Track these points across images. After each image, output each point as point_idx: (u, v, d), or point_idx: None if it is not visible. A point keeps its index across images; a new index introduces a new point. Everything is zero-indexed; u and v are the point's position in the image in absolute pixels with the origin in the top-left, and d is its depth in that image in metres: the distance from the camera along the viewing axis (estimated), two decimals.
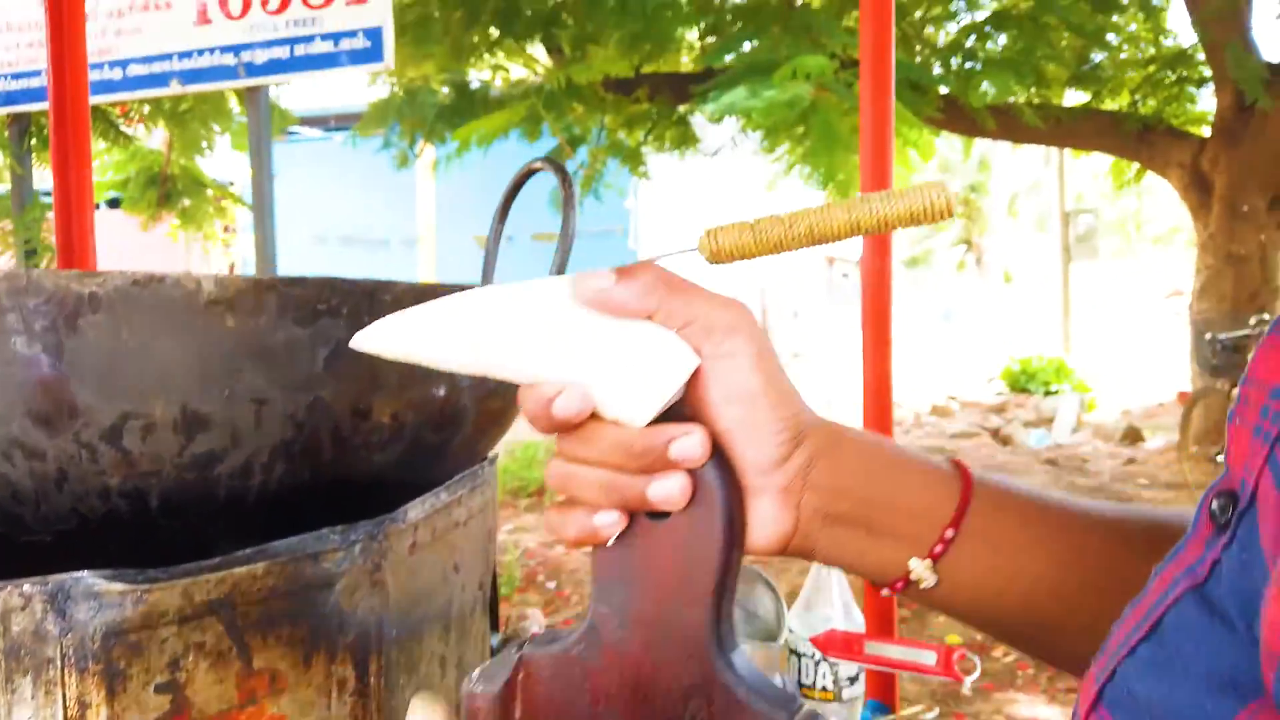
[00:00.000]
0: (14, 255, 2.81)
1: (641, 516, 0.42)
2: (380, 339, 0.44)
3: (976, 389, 10.59)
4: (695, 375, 0.41)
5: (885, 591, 0.44)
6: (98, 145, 4.60)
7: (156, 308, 0.55)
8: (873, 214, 0.75)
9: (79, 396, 0.55)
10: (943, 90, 4.40)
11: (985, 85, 4.24)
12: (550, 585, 3.78)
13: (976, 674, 0.82)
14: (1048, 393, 9.03)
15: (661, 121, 5.25)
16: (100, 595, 0.56)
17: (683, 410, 0.41)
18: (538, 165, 1.04)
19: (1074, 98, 5.17)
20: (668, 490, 0.40)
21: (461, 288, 0.70)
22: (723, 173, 5.59)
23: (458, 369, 0.43)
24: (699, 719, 0.42)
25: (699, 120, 5.13)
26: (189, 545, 0.62)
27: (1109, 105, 4.92)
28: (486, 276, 1.12)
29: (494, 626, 0.94)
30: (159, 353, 0.56)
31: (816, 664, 0.94)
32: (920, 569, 0.43)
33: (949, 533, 0.42)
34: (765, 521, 0.42)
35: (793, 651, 0.95)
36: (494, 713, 0.44)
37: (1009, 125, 4.62)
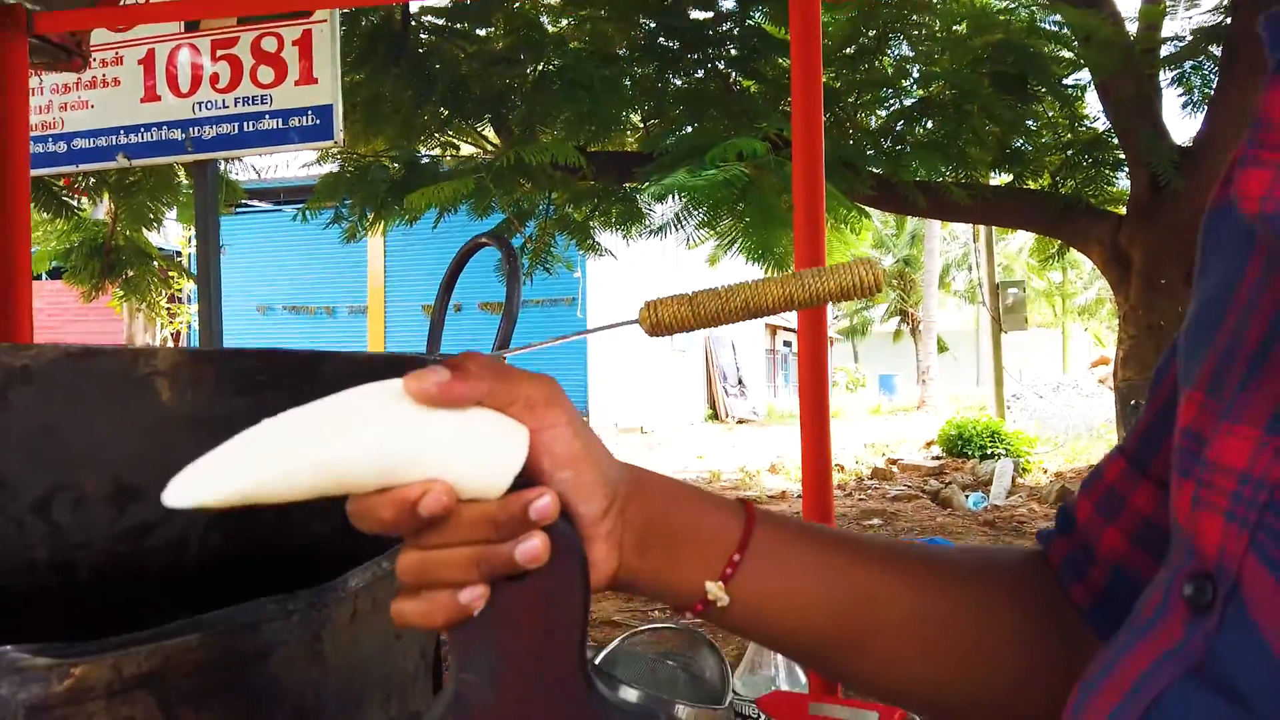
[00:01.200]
0: None
1: (500, 582, 0.43)
2: (198, 486, 0.40)
3: (915, 452, 10.77)
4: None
5: (688, 614, 0.50)
6: (40, 216, 4.53)
7: (91, 380, 0.55)
8: (805, 289, 0.78)
9: (6, 469, 0.55)
10: (875, 170, 4.58)
11: (914, 165, 4.43)
12: None
13: None
14: (983, 456, 9.22)
15: (607, 198, 5.36)
16: (24, 670, 0.55)
17: (521, 481, 0.44)
18: (484, 240, 1.07)
19: (999, 178, 5.42)
20: (533, 548, 0.42)
21: (403, 355, 0.72)
22: (669, 246, 5.68)
23: (293, 497, 0.41)
24: None
25: (645, 199, 5.25)
26: (121, 617, 0.61)
27: (1032, 185, 5.16)
28: (432, 345, 1.14)
29: (436, 691, 0.92)
30: (92, 425, 0.56)
31: None
32: (714, 589, 0.49)
33: (736, 556, 0.49)
34: (598, 562, 0.46)
35: (739, 714, 0.96)
36: None
37: (939, 203, 4.81)
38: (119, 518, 0.58)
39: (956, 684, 0.51)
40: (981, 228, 11.83)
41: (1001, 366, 11.44)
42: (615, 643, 1.00)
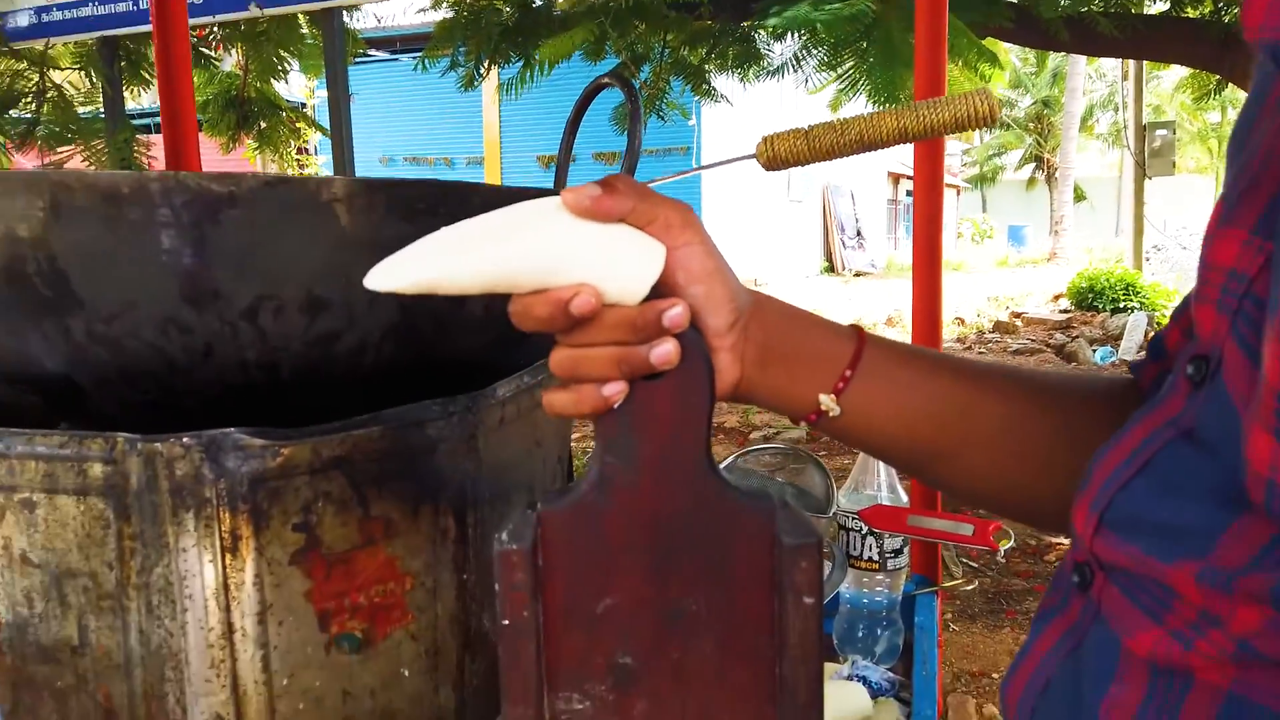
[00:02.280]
0: None
1: (638, 381, 0.50)
2: (393, 274, 0.48)
3: (1042, 306, 10.41)
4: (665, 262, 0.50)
5: (803, 423, 0.55)
6: None
7: (283, 205, 0.64)
8: (919, 120, 0.80)
9: (220, 281, 0.65)
10: (1013, 0, 4.26)
11: None
12: None
13: (1010, 544, 0.90)
14: (1115, 310, 8.84)
15: (724, 39, 5.18)
16: (246, 448, 0.67)
17: (658, 291, 0.50)
18: (605, 80, 1.10)
19: (1154, 6, 4.95)
20: (666, 352, 0.48)
21: (541, 189, 0.79)
22: (785, 93, 5.49)
23: (467, 290, 0.48)
24: (705, 529, 0.51)
25: (763, 39, 5.05)
26: (312, 412, 0.73)
27: (1191, 13, 4.70)
28: (559, 181, 1.20)
29: None
30: (286, 244, 0.65)
31: (863, 537, 1.03)
32: (827, 401, 0.54)
33: (848, 372, 0.54)
34: (723, 370, 0.52)
35: (841, 526, 1.04)
36: (525, 566, 0.52)
37: (1083, 36, 4.46)
38: (311, 325, 0.68)
39: (1046, 492, 0.56)
40: (1131, 63, 10.88)
41: (1142, 215, 10.76)
42: (729, 459, 1.09)
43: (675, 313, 0.48)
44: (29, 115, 2.83)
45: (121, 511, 0.67)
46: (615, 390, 0.49)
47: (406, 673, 0.77)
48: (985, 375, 0.57)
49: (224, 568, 0.67)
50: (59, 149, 2.89)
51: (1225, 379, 0.37)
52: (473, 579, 0.82)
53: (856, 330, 0.56)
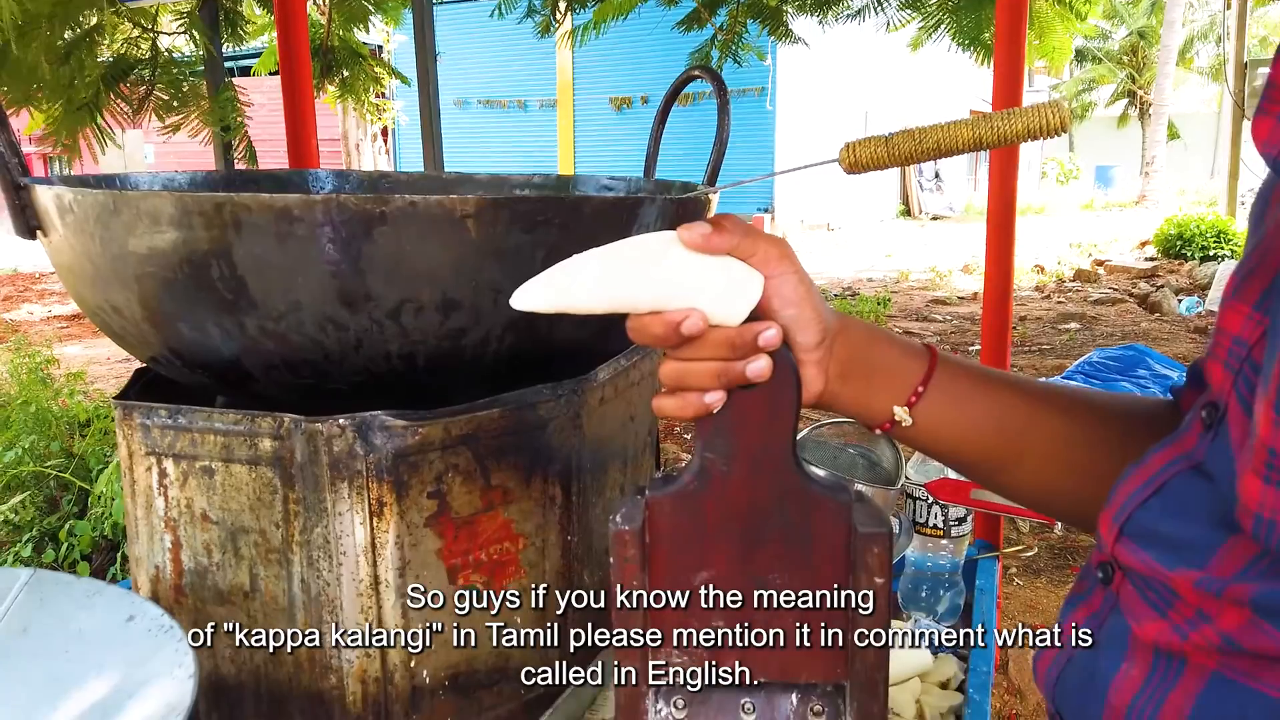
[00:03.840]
0: (211, 135, 3.13)
1: (735, 390, 0.58)
2: (533, 298, 0.56)
3: (1127, 253, 10.09)
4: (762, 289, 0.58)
5: (878, 431, 0.62)
6: (265, 16, 4.87)
7: (424, 220, 0.73)
8: (994, 131, 0.86)
9: (371, 286, 0.75)
10: None
11: None
12: (686, 435, 4.17)
13: None
14: (1205, 258, 8.52)
15: None
16: (389, 429, 0.78)
17: (756, 315, 0.58)
18: (695, 73, 1.17)
19: None
20: (760, 368, 0.56)
21: (640, 197, 0.87)
22: (864, 34, 5.39)
23: (595, 311, 0.56)
24: (789, 516, 0.60)
25: None
26: (440, 395, 0.83)
27: None
28: (648, 170, 1.27)
29: (657, 465, 1.14)
30: (426, 253, 0.75)
31: (929, 506, 1.10)
32: (901, 413, 0.61)
33: (920, 388, 0.61)
34: (809, 383, 0.60)
35: (909, 496, 1.12)
36: (635, 543, 0.61)
37: None
38: (444, 322, 0.77)
39: (1094, 501, 0.61)
40: None
41: (1239, 158, 10.28)
42: (805, 431, 1.17)
43: (770, 334, 0.56)
44: (140, 81, 2.99)
45: (287, 479, 0.79)
46: (716, 399, 0.58)
47: (520, 620, 0.88)
48: (1044, 395, 0.63)
49: (372, 529, 0.79)
50: (169, 117, 3.04)
51: (1229, 426, 0.44)
52: (576, 540, 0.92)
53: (929, 349, 0.64)
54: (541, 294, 0.58)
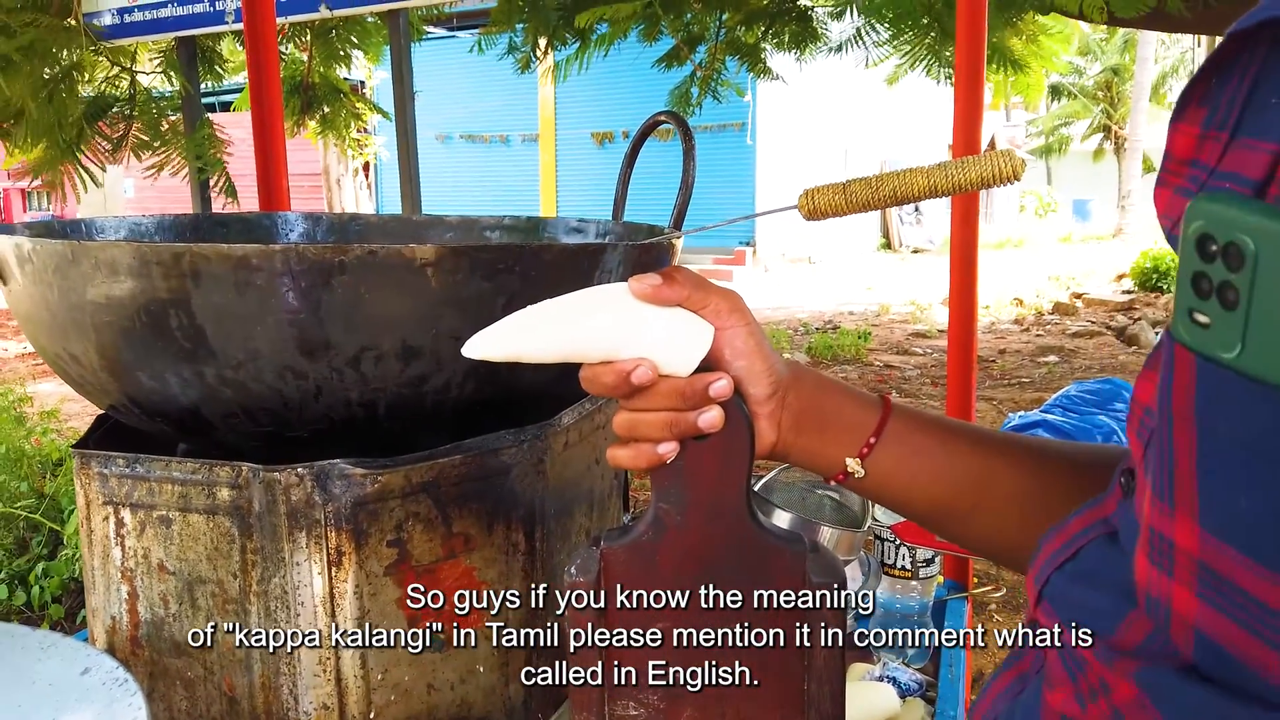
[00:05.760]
0: (189, 171, 3.13)
1: (689, 441, 0.59)
2: (485, 347, 0.57)
3: (1104, 285, 10.21)
4: (713, 341, 0.58)
5: (831, 482, 0.62)
6: (243, 55, 4.90)
7: (383, 270, 0.74)
8: (948, 179, 0.88)
9: (330, 335, 0.75)
10: None
11: None
12: None
13: None
14: None
15: (781, 18, 5.17)
16: (349, 476, 0.77)
17: (708, 366, 0.58)
18: (662, 118, 1.18)
19: None
20: (712, 418, 0.57)
21: (602, 245, 0.87)
22: (843, 69, 5.46)
23: (546, 360, 0.57)
24: (744, 566, 0.60)
25: (822, 14, 5.03)
26: (403, 441, 0.83)
27: None
28: (616, 213, 1.28)
29: (625, 507, 1.14)
30: (385, 302, 0.75)
31: (897, 548, 1.11)
32: (853, 464, 0.61)
33: (872, 439, 0.61)
34: (762, 434, 0.60)
35: (877, 537, 1.12)
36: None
37: (1152, 14, 4.37)
38: (405, 369, 0.77)
39: None
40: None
41: None
42: (773, 473, 1.17)
43: (720, 385, 0.57)
44: (120, 118, 2.99)
45: (245, 529, 0.78)
46: (669, 449, 0.58)
47: (482, 669, 0.88)
48: (1000, 445, 0.63)
49: (330, 579, 0.78)
50: (146, 154, 3.05)
51: (1136, 496, 0.44)
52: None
53: (884, 399, 0.64)
54: (493, 343, 0.58)
